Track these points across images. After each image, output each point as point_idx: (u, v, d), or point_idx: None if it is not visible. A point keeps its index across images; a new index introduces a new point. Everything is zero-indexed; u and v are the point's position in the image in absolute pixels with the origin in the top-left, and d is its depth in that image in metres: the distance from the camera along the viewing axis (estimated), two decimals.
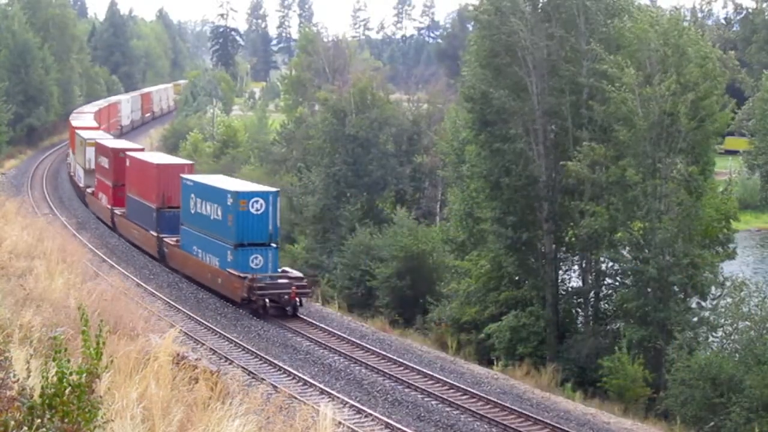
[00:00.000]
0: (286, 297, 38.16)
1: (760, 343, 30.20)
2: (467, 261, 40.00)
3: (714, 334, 33.22)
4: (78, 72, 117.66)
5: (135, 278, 42.86)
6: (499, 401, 29.09)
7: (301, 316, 38.53)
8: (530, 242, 37.85)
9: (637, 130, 33.78)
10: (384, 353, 33.63)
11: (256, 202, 39.40)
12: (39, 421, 8.63)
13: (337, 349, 34.11)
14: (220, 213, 40.67)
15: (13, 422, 8.60)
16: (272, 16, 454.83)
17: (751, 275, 43.44)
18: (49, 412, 8.67)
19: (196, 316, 37.59)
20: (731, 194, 38.11)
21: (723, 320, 32.75)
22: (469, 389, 30.04)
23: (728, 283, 33.59)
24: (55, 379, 8.73)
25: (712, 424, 29.57)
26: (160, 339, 16.66)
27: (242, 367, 29.78)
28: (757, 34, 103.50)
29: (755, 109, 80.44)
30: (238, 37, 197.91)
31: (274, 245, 39.86)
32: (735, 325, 31.92)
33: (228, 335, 35.03)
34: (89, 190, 64.67)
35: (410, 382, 30.59)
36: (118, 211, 55.25)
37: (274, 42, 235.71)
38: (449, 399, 29.08)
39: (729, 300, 32.79)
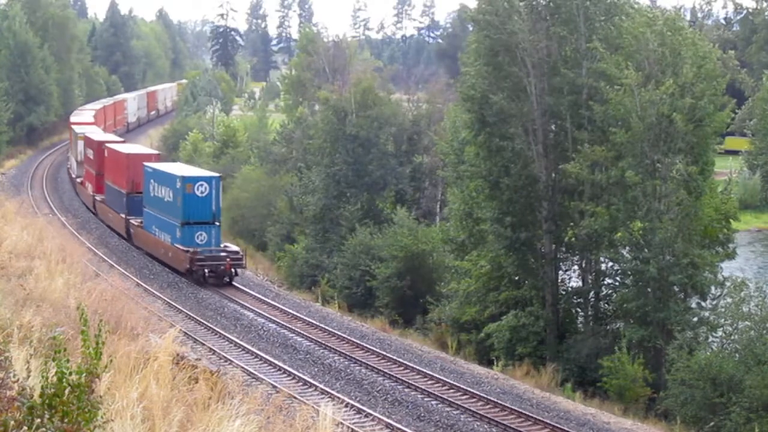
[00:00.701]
0: (222, 268, 43.31)
1: (760, 343, 30.19)
2: (467, 261, 39.98)
3: (714, 334, 33.21)
4: (78, 72, 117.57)
5: (135, 278, 42.86)
6: (499, 401, 29.08)
7: (302, 316, 38.60)
8: (530, 242, 37.85)
9: (635, 131, 33.77)
10: (384, 353, 33.63)
11: (201, 185, 44.50)
12: (39, 421, 8.63)
13: (337, 349, 34.11)
14: (171, 195, 45.41)
15: (13, 422, 8.60)
16: (272, 16, 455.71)
17: (752, 275, 43.46)
18: (49, 412, 8.67)
19: (196, 316, 37.61)
20: (731, 194, 38.11)
21: (723, 320, 32.74)
22: (469, 389, 30.03)
23: (728, 283, 33.58)
24: (54, 379, 8.73)
25: (712, 424, 29.56)
26: (160, 339, 16.66)
27: (242, 368, 29.80)
28: (757, 34, 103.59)
29: (755, 109, 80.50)
30: (238, 37, 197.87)
31: (217, 223, 44.84)
32: (735, 325, 31.90)
33: (228, 335, 35.04)
34: (78, 180, 69.86)
35: (410, 382, 30.58)
36: (98, 197, 60.03)
37: (274, 42, 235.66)
38: (449, 399, 29.08)
39: (729, 300, 32.78)
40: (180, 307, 38.88)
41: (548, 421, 27.66)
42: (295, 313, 39.14)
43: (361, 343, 34.87)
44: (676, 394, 30.55)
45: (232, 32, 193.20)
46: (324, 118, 55.21)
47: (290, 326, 36.99)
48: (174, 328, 20.90)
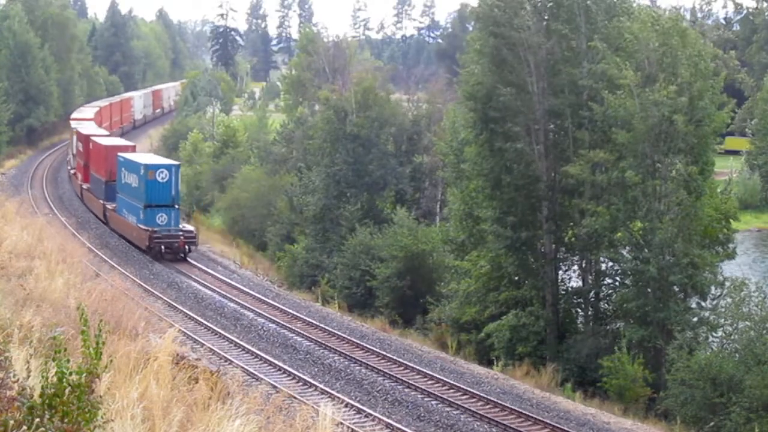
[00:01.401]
0: (176, 245, 49.03)
1: (760, 343, 30.18)
2: (467, 261, 39.97)
3: (714, 334, 33.20)
4: (78, 72, 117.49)
5: (135, 278, 42.87)
6: (499, 401, 29.09)
7: (302, 316, 38.61)
8: (530, 242, 37.84)
9: (637, 132, 33.75)
10: (384, 353, 33.63)
11: (162, 172, 49.73)
12: (39, 421, 8.61)
13: (337, 349, 34.12)
14: (137, 182, 50.69)
15: (13, 422, 8.58)
16: (272, 16, 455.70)
17: (752, 275, 43.43)
18: (49, 412, 8.66)
19: (196, 316, 37.63)
20: (731, 194, 38.08)
21: (723, 320, 32.73)
22: (469, 389, 30.03)
23: (728, 283, 33.57)
24: (54, 379, 8.72)
25: (712, 424, 29.56)
26: (160, 339, 16.65)
27: (242, 367, 29.81)
28: (757, 34, 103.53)
29: (755, 108, 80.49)
30: (238, 37, 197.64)
31: (176, 206, 50.27)
32: (735, 325, 31.89)
33: (228, 335, 35.05)
34: (72, 171, 75.06)
35: (410, 382, 30.58)
36: (85, 186, 65.69)
37: (274, 42, 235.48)
38: (449, 399, 29.08)
39: (729, 300, 32.77)
40: (180, 307, 38.91)
41: (548, 421, 27.67)
42: (295, 313, 39.16)
43: (361, 343, 34.87)
44: (676, 394, 30.55)
45: (232, 32, 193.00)
46: (324, 118, 55.17)
47: (290, 326, 37.00)
48: (174, 328, 20.88)
